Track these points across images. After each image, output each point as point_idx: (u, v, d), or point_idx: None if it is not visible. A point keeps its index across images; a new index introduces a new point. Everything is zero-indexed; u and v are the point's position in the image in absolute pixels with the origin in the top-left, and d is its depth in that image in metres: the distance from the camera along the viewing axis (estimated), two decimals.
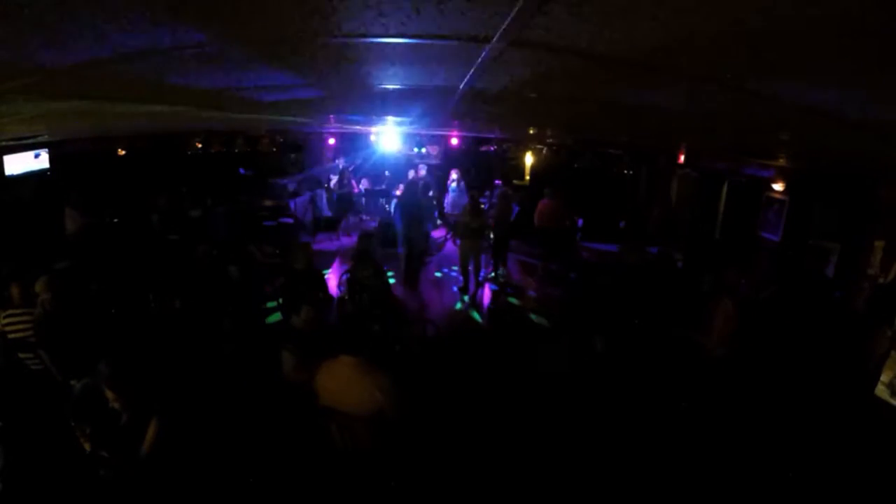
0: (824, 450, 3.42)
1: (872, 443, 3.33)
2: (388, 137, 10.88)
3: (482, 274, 7.57)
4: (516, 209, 9.90)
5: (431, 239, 9.76)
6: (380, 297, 4.68)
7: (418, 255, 7.54)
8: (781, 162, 5.80)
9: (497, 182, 10.48)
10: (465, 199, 10.07)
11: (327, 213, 10.67)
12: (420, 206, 7.70)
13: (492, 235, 7.86)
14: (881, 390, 3.50)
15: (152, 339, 4.40)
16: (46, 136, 6.63)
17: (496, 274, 8.01)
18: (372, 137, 11.14)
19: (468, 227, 7.14)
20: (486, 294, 7.56)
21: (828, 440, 3.47)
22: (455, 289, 7.54)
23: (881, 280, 4.76)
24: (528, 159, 11.07)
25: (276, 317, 5.39)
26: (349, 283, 4.78)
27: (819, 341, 4.09)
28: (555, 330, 6.22)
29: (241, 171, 11.04)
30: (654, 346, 4.56)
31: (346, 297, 4.80)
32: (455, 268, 8.04)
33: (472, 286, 7.32)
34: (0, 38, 1.40)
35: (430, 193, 11.02)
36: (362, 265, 4.76)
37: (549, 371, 4.92)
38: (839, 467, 3.25)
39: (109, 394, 2.74)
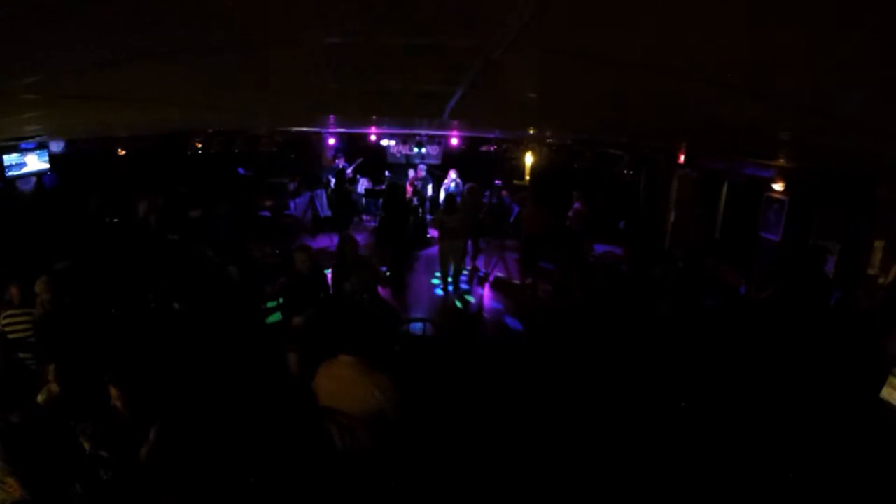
0: (826, 450, 3.42)
1: (876, 444, 3.33)
2: (388, 137, 10.88)
3: (465, 275, 7.54)
4: (516, 209, 9.92)
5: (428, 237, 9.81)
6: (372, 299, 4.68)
7: (403, 253, 7.44)
8: (781, 162, 5.80)
9: (497, 182, 10.50)
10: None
11: (327, 212, 10.68)
12: (404, 205, 7.61)
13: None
14: (887, 392, 3.48)
15: (152, 339, 4.40)
16: (46, 136, 6.64)
17: (471, 271, 8.00)
18: (372, 137, 11.15)
19: (445, 227, 6.96)
20: (476, 294, 7.56)
21: (830, 441, 3.47)
22: (439, 291, 7.51)
23: (881, 280, 4.76)
24: (528, 159, 11.06)
25: (276, 317, 5.39)
26: (335, 289, 4.77)
27: (820, 341, 4.08)
28: (550, 331, 6.22)
29: (241, 171, 11.04)
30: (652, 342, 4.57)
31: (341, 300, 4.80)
32: None
33: (451, 288, 7.24)
34: (1, 38, 1.40)
35: (429, 194, 11.05)
36: (349, 272, 4.72)
37: (546, 370, 4.92)
38: (841, 468, 3.25)
39: (113, 392, 2.75)
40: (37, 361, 3.71)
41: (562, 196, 9.19)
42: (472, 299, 7.34)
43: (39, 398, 2.92)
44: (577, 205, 8.77)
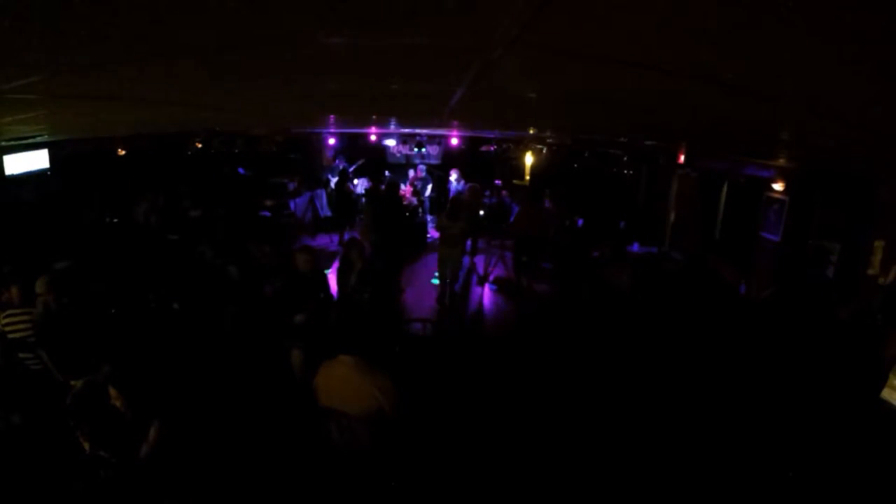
0: (827, 450, 3.42)
1: (876, 444, 3.33)
2: (388, 138, 10.88)
3: (462, 279, 7.51)
4: (515, 209, 9.91)
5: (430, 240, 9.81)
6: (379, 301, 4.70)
7: (389, 256, 7.30)
8: (781, 162, 5.80)
9: (497, 182, 10.50)
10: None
11: (327, 212, 10.68)
12: (391, 205, 7.55)
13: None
14: (887, 392, 3.48)
15: (152, 339, 4.40)
16: (46, 136, 6.63)
17: (469, 270, 8.00)
18: (372, 137, 11.15)
19: (446, 232, 6.85)
20: (475, 294, 7.54)
21: (830, 440, 3.47)
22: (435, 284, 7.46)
23: (881, 280, 4.76)
24: (528, 159, 11.06)
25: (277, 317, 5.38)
26: (340, 291, 4.79)
27: (820, 341, 4.08)
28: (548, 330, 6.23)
29: (241, 171, 11.04)
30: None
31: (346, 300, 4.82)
32: None
33: (450, 288, 7.17)
34: (1, 37, 1.39)
35: (428, 194, 11.05)
36: (353, 276, 4.73)
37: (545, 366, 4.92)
38: (841, 468, 3.25)
39: (112, 392, 2.75)
40: (37, 361, 3.72)
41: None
42: (471, 299, 7.33)
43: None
44: (546, 204, 8.35)
